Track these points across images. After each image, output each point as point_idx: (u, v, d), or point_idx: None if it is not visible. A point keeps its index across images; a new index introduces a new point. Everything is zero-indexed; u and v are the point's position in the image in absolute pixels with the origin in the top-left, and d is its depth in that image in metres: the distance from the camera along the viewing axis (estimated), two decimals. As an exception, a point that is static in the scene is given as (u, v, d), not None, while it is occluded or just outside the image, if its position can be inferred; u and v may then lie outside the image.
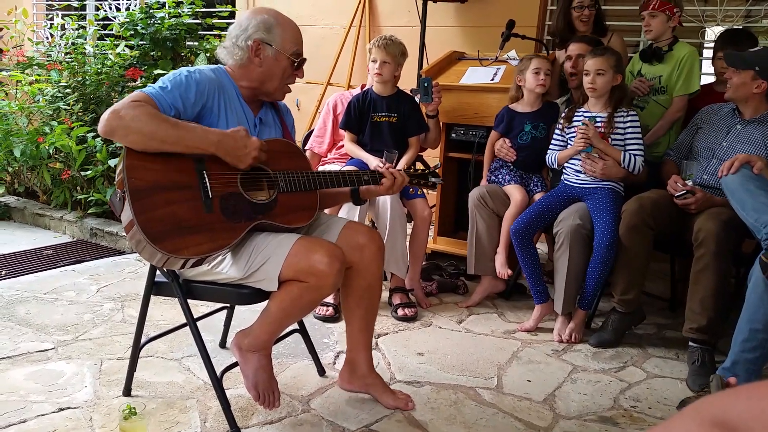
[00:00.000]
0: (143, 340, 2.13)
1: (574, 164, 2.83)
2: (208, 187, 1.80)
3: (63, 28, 5.07)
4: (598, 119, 2.77)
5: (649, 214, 2.57)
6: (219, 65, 2.02)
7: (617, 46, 3.28)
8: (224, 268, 1.87)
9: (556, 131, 2.93)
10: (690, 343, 2.49)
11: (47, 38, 5.14)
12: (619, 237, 2.61)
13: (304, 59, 2.05)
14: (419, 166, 3.28)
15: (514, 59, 3.51)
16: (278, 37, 1.97)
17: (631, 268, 2.63)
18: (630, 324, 2.76)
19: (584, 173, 2.78)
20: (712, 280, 2.38)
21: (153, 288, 2.02)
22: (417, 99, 3.18)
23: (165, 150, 1.76)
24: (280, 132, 2.12)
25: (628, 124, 2.76)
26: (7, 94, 4.74)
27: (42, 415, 1.98)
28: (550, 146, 2.94)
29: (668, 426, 0.60)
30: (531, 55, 3.11)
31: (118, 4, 4.94)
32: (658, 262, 3.05)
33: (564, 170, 2.90)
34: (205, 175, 1.81)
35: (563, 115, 2.93)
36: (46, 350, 2.43)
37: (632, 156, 2.73)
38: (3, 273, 3.25)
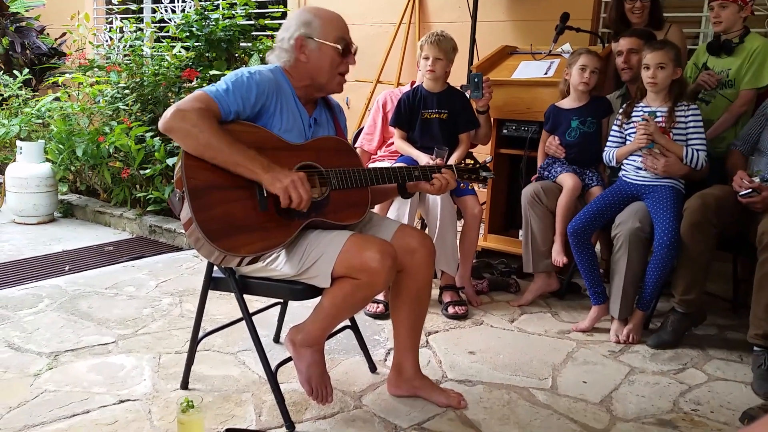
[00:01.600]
0: (200, 334, 2.18)
1: (633, 161, 2.75)
2: (264, 186, 1.82)
3: (121, 31, 5.24)
4: (658, 114, 2.68)
5: (713, 211, 2.47)
6: (277, 65, 2.03)
7: (676, 37, 3.17)
8: (279, 264, 1.90)
9: (614, 127, 2.85)
10: (755, 348, 2.38)
11: (107, 41, 5.32)
12: (681, 235, 2.52)
13: (350, 44, 2.03)
14: (469, 161, 3.25)
15: (568, 52, 3.43)
16: (318, 28, 1.97)
17: (693, 267, 2.54)
18: (690, 325, 2.67)
19: (644, 170, 2.70)
20: (778, 283, 2.27)
21: (210, 283, 2.07)
22: (467, 95, 3.15)
23: (215, 162, 1.78)
24: (333, 131, 2.13)
25: (690, 118, 2.66)
26: (69, 95, 4.93)
27: (104, 406, 2.05)
28: (608, 143, 2.87)
29: None
30: (581, 50, 3.04)
31: (174, 7, 5.07)
32: (720, 261, 2.93)
33: (623, 167, 2.81)
34: None
35: (621, 110, 2.84)
36: (107, 344, 2.51)
37: (695, 151, 2.63)
38: (67, 268, 3.39)
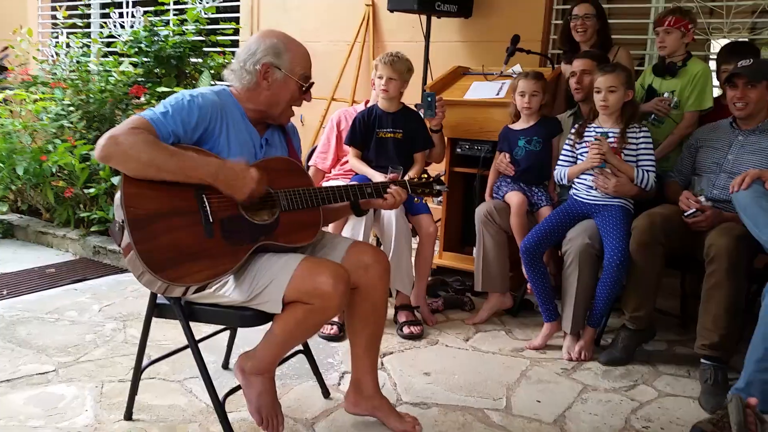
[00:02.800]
0: (145, 362, 2.10)
1: (585, 179, 2.79)
2: (209, 211, 1.77)
3: (68, 46, 5.08)
4: (610, 134, 2.73)
5: (660, 230, 2.52)
6: (223, 87, 1.98)
7: (624, 60, 3.25)
8: (227, 291, 1.84)
9: (566, 146, 2.89)
10: (702, 361, 2.43)
11: (52, 56, 5.15)
12: (630, 254, 2.56)
13: (313, 83, 2.02)
14: (423, 175, 3.25)
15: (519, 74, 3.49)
16: (287, 61, 1.94)
17: (643, 285, 2.58)
18: (640, 341, 2.71)
19: (595, 189, 2.74)
20: (724, 296, 2.33)
21: (155, 310, 1.99)
22: (421, 114, 3.16)
23: (162, 178, 1.73)
24: (286, 153, 2.08)
25: (641, 140, 2.72)
26: (11, 112, 4.74)
27: (41, 440, 1.95)
28: (559, 162, 2.91)
29: None
30: (520, 75, 3.09)
31: (122, 22, 4.95)
32: (668, 277, 2.99)
33: (574, 186, 2.85)
34: (205, 199, 1.78)
35: (573, 130, 2.89)
36: (47, 372, 2.39)
37: (645, 172, 2.69)
38: (4, 293, 3.23)
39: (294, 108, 2.05)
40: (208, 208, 1.77)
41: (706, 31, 3.83)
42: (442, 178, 2.19)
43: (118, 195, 1.73)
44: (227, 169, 1.78)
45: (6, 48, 5.92)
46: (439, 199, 3.68)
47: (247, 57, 1.94)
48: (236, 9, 5.37)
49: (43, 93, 4.66)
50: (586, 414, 2.24)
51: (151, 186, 1.74)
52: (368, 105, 3.27)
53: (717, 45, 3.86)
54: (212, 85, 4.48)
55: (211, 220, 1.77)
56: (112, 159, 1.73)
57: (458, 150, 3.50)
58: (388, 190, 2.06)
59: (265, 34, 1.98)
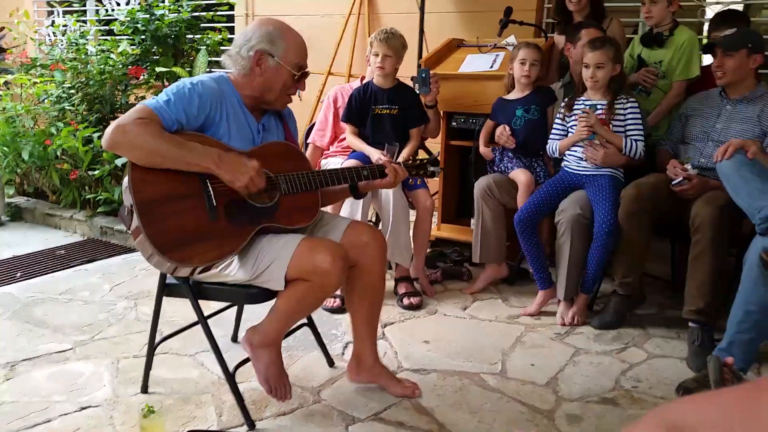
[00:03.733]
0: (157, 338, 2.21)
1: (575, 151, 2.87)
2: (212, 195, 1.86)
3: (65, 26, 5.10)
4: (599, 107, 2.80)
5: (647, 199, 2.61)
6: (222, 74, 2.06)
7: (616, 32, 3.29)
8: (232, 270, 1.94)
9: (557, 120, 2.96)
10: (690, 324, 2.54)
11: (49, 37, 5.18)
12: (619, 222, 2.65)
13: (307, 73, 2.09)
14: (422, 155, 3.31)
15: (513, 45, 3.52)
16: (281, 49, 2.00)
17: (631, 252, 2.68)
18: (631, 306, 2.82)
19: (585, 160, 2.82)
20: (709, 264, 2.43)
21: (165, 290, 2.09)
22: (416, 89, 3.21)
23: (166, 167, 1.82)
24: (282, 137, 2.16)
25: (629, 111, 2.79)
26: (12, 95, 4.79)
27: (65, 414, 2.07)
28: (551, 135, 2.98)
29: (631, 430, 0.66)
30: (521, 44, 3.13)
31: (118, 0, 4.96)
32: (660, 243, 3.08)
33: (565, 158, 2.93)
34: (209, 184, 1.87)
35: (563, 104, 2.95)
36: (65, 351, 2.51)
37: (633, 142, 2.77)
38: (18, 275, 3.34)
39: (291, 99, 2.12)
40: (211, 191, 1.86)
41: (699, -4, 3.85)
42: (438, 158, 2.27)
43: (125, 180, 1.83)
44: (229, 156, 1.86)
45: (2, 29, 5.94)
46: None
47: (243, 43, 2.01)
48: (231, -15, 5.36)
49: (42, 76, 4.70)
50: (578, 376, 2.36)
51: (157, 171, 1.83)
52: (364, 81, 3.32)
53: (711, 11, 3.87)
54: (209, 63, 4.53)
55: (215, 204, 1.86)
56: (119, 147, 1.83)
57: (453, 123, 3.56)
58: (388, 168, 2.14)
59: (263, 21, 2.05)
